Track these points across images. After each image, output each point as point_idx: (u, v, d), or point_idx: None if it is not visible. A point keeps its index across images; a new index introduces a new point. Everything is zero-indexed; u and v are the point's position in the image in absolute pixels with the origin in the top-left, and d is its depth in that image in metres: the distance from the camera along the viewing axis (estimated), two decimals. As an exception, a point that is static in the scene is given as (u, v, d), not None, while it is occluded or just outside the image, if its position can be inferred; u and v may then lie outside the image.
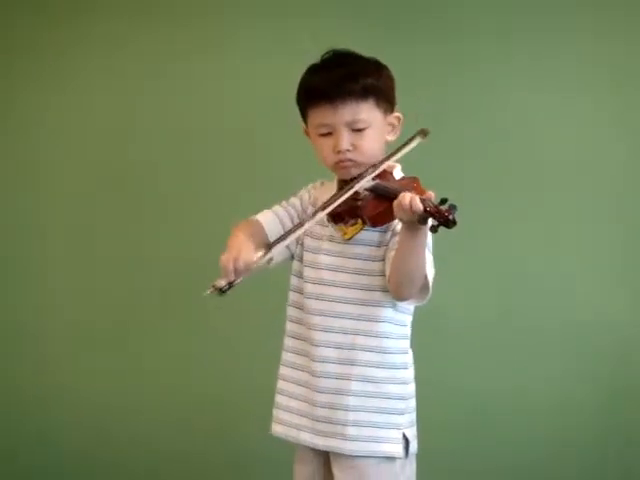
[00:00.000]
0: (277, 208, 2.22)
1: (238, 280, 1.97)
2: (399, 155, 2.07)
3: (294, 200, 2.24)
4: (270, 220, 2.19)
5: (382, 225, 2.06)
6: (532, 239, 3.14)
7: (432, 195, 1.88)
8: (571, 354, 3.13)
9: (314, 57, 2.16)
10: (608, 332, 3.10)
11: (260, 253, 2.02)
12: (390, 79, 2.16)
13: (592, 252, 3.13)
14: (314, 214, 2.07)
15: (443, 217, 1.84)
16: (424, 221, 1.87)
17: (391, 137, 2.16)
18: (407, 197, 1.88)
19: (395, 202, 1.90)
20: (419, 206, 1.85)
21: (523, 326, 3.13)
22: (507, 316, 3.14)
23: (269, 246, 2.05)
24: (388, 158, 2.08)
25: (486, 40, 3.12)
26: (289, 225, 2.18)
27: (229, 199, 3.15)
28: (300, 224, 2.07)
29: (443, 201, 1.86)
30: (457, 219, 1.84)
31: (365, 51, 3.01)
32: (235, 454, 3.23)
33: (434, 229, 1.86)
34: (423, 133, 2.06)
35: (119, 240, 3.29)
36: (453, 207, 1.84)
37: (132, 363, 3.29)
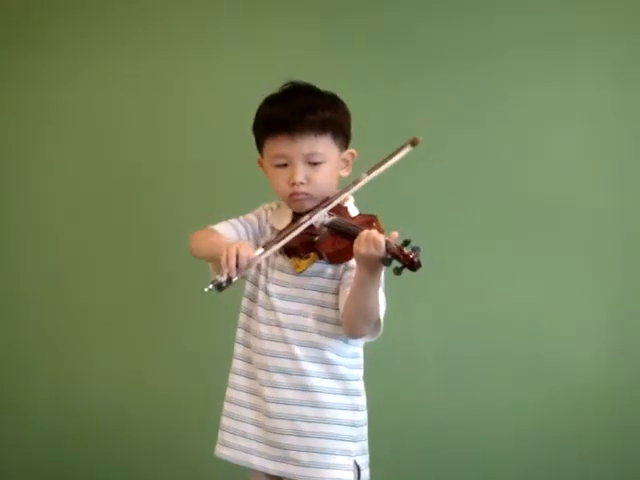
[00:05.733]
0: (235, 222, 2.19)
1: (236, 277, 1.93)
2: (387, 165, 2.02)
3: (252, 217, 2.21)
4: (228, 233, 2.15)
5: (341, 263, 2.04)
6: (500, 270, 3.11)
7: (396, 236, 1.86)
8: (541, 386, 3.11)
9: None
10: (577, 366, 3.10)
11: (260, 250, 1.99)
12: (346, 114, 2.16)
13: (560, 285, 3.11)
14: (269, 245, 2.03)
15: (408, 260, 1.81)
16: (388, 263, 1.84)
17: (344, 173, 2.15)
18: (371, 238, 1.85)
19: (357, 242, 1.88)
20: (383, 248, 1.83)
21: (490, 357, 3.11)
22: (476, 348, 3.12)
23: (265, 246, 2.02)
24: (375, 169, 2.02)
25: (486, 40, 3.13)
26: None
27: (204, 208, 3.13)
28: (276, 240, 2.03)
29: (406, 242, 1.83)
30: (422, 262, 1.81)
31: (359, 55, 3.11)
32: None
33: (398, 271, 1.83)
34: (413, 142, 2.02)
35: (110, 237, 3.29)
36: (417, 249, 1.82)
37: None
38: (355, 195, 2.14)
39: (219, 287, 1.92)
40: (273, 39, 3.20)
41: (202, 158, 3.22)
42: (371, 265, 1.88)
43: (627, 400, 3.08)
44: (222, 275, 1.92)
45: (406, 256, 1.81)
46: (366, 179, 2.03)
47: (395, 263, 1.83)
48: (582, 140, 3.10)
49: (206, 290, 1.92)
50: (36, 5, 3.28)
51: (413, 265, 1.81)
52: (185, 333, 3.22)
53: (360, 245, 1.87)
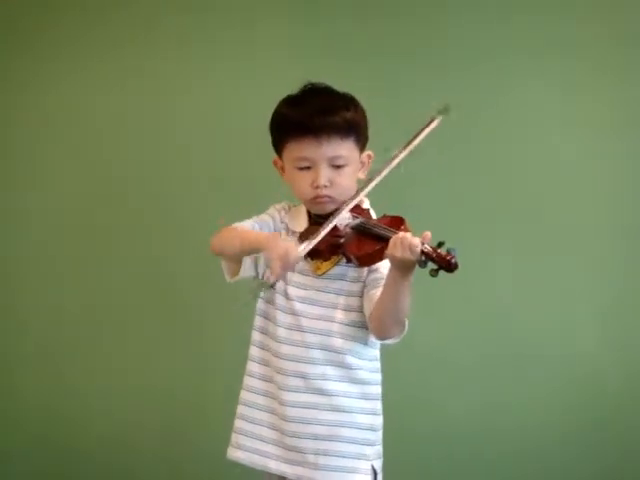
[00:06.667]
0: (252, 223, 2.16)
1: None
2: (418, 140, 2.03)
3: (266, 217, 2.18)
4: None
5: (370, 265, 2.03)
6: (502, 270, 3.13)
7: (429, 236, 1.85)
8: (541, 384, 3.13)
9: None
10: (577, 364, 3.12)
11: (303, 246, 1.95)
12: (364, 115, 2.15)
13: (559, 285, 3.12)
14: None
15: (445, 262, 1.80)
16: (424, 265, 1.83)
17: (361, 175, 2.14)
18: (407, 243, 1.84)
19: (392, 246, 1.87)
20: (419, 252, 1.82)
21: (492, 357, 3.13)
22: (476, 347, 3.13)
23: (301, 240, 2.01)
24: (406, 147, 2.03)
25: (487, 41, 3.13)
26: None
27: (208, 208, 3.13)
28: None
29: (440, 244, 1.82)
30: (459, 263, 1.80)
31: (358, 54, 3.11)
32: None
33: (435, 273, 1.82)
34: (443, 111, 2.04)
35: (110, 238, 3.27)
36: (453, 250, 1.81)
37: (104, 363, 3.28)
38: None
39: (271, 286, 1.94)
40: (273, 39, 3.19)
41: (202, 158, 3.20)
42: (405, 268, 1.87)
43: (628, 400, 3.11)
44: (272, 275, 1.90)
45: (443, 258, 1.80)
46: (401, 155, 2.04)
47: (431, 265, 1.82)
48: (582, 140, 3.12)
49: (262, 295, 1.95)
50: (35, 5, 3.25)
51: (450, 267, 1.80)
52: (186, 333, 3.21)
53: (395, 249, 1.86)
